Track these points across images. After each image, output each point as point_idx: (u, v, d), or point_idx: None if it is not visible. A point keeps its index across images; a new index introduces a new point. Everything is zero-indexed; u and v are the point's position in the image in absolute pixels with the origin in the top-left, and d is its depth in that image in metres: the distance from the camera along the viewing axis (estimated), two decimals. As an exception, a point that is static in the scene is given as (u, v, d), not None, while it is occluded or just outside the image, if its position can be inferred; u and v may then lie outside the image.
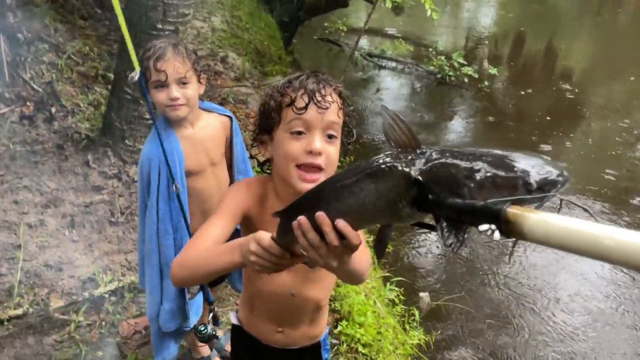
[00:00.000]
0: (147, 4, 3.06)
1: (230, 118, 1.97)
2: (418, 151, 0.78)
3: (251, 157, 1.69)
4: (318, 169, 1.13)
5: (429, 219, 0.80)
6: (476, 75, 7.64)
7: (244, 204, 1.26)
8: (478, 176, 0.72)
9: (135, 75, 1.71)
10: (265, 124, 1.20)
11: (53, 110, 3.78)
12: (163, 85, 1.72)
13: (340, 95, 1.18)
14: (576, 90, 8.15)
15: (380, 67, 8.24)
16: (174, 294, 1.89)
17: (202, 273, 1.12)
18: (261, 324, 1.41)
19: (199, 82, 1.82)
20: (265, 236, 0.96)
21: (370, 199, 0.80)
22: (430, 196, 0.75)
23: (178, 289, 1.88)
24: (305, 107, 1.12)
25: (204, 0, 6.51)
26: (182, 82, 1.74)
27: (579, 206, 0.95)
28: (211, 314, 1.99)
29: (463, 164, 0.73)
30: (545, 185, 0.70)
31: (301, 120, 1.13)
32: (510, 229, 0.67)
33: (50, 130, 3.64)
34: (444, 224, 0.75)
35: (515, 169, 0.71)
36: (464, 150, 0.76)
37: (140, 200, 1.92)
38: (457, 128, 6.68)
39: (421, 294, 3.23)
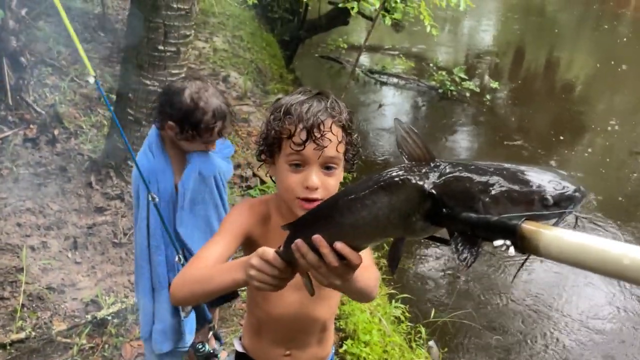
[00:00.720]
0: (148, 25, 3.09)
1: None
2: (432, 164, 0.77)
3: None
4: (316, 200, 1.13)
5: (441, 233, 0.79)
6: (478, 90, 7.66)
7: (246, 224, 1.24)
8: (493, 190, 0.70)
9: (90, 78, 1.77)
10: (267, 150, 1.20)
11: (56, 132, 3.80)
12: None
13: (343, 127, 1.15)
14: (578, 102, 8.15)
15: (382, 84, 8.28)
16: (167, 313, 1.86)
17: (203, 291, 1.09)
18: (268, 348, 1.38)
19: None
20: (269, 250, 0.95)
21: (384, 212, 0.79)
22: (444, 210, 0.74)
23: (172, 308, 1.86)
24: (303, 144, 1.10)
25: (205, 21, 6.59)
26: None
27: (594, 223, 0.93)
28: (211, 332, 1.97)
29: (478, 177, 0.72)
30: (562, 201, 0.68)
31: (298, 155, 1.12)
32: (525, 245, 0.66)
33: (53, 152, 3.66)
34: (458, 239, 0.73)
35: (531, 183, 0.70)
36: (478, 164, 0.75)
37: (135, 218, 1.91)
38: (461, 142, 6.68)
39: (430, 343, 3.13)
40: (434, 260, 4.11)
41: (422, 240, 0.84)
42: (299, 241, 0.87)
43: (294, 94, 1.20)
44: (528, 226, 0.66)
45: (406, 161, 0.80)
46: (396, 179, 0.78)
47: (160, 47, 3.14)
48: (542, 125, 7.22)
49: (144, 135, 3.32)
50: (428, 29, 5.62)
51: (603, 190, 5.39)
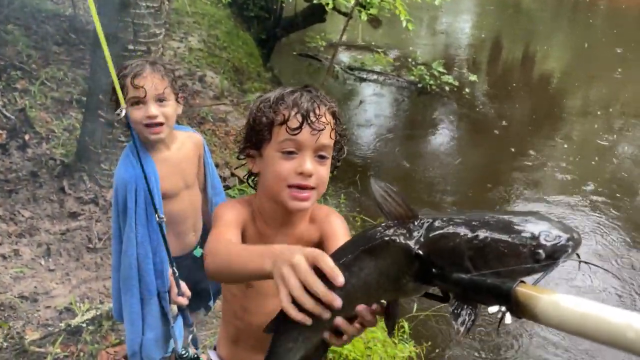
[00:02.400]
0: (117, 25, 3.02)
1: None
2: (416, 222, 0.74)
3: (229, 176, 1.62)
4: (309, 188, 1.11)
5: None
6: (456, 83, 7.69)
7: (241, 216, 1.21)
8: (482, 246, 0.67)
9: (122, 110, 1.62)
10: (254, 140, 1.16)
11: (27, 137, 3.70)
12: (140, 102, 1.66)
13: (334, 115, 1.15)
14: (557, 92, 8.24)
15: (362, 80, 8.26)
16: (157, 320, 1.81)
17: (232, 269, 0.98)
18: (248, 355, 1.34)
19: (177, 101, 1.77)
20: (324, 256, 0.75)
21: (372, 277, 0.76)
22: (433, 270, 0.70)
23: (162, 315, 1.81)
24: (299, 128, 1.08)
25: (180, 20, 6.50)
26: (160, 99, 1.68)
27: (599, 267, 0.91)
28: (190, 336, 1.93)
29: (464, 232, 0.69)
30: (555, 253, 0.66)
31: (293, 141, 1.09)
32: (522, 311, 0.62)
33: (24, 157, 3.56)
34: (454, 301, 0.70)
35: (522, 235, 0.67)
36: (466, 216, 0.72)
37: (114, 226, 1.84)
38: (442, 137, 6.69)
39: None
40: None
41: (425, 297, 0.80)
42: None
43: (278, 89, 1.18)
44: (524, 290, 0.62)
45: (386, 220, 0.76)
46: (380, 241, 0.75)
47: (130, 47, 3.07)
48: (521, 117, 7.28)
49: (116, 137, 3.27)
50: (404, 23, 5.62)
51: (585, 178, 5.45)
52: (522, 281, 0.65)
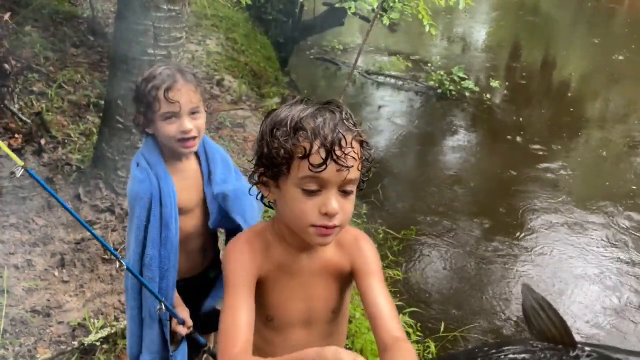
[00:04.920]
0: (138, 28, 2.92)
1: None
2: (574, 352, 0.63)
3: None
4: (334, 227, 0.99)
5: None
6: (477, 89, 7.53)
7: (255, 268, 1.09)
8: None
9: (18, 170, 1.35)
10: (270, 172, 1.01)
11: (43, 142, 3.61)
12: (174, 116, 1.53)
13: (361, 143, 0.99)
14: (577, 100, 8.03)
15: (380, 85, 8.12)
16: (155, 346, 1.68)
17: None
18: None
19: (205, 110, 1.65)
20: None
21: None
22: None
23: (161, 341, 1.68)
24: (324, 164, 0.93)
25: (198, 23, 6.42)
26: (193, 112, 1.55)
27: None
28: (205, 355, 1.81)
29: None
30: None
31: (316, 179, 0.95)
32: None
33: (39, 163, 3.47)
34: None
35: None
36: (629, 352, 0.62)
37: (129, 238, 1.73)
38: (462, 143, 6.52)
39: None
40: (443, 272, 3.94)
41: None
42: None
43: (295, 105, 1.01)
44: None
45: (534, 338, 0.64)
46: None
47: (151, 51, 2.97)
48: (543, 124, 7.09)
49: (134, 144, 3.16)
50: (427, 28, 5.49)
51: (603, 186, 5.27)
52: None
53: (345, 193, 0.99)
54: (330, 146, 0.93)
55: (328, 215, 0.97)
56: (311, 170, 0.94)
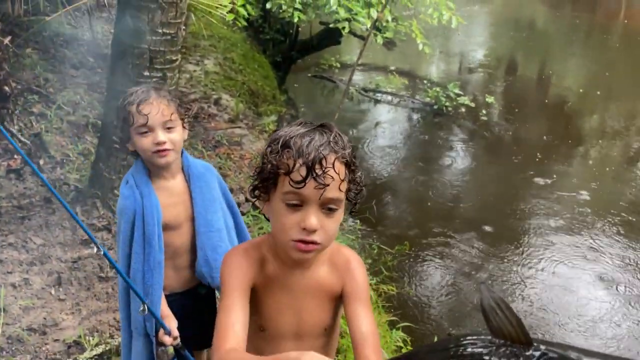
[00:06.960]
0: (133, 52, 3.00)
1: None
2: (528, 351, 0.65)
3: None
4: (313, 243, 1.04)
5: None
6: (473, 105, 7.60)
7: (249, 275, 1.15)
8: None
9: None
10: (262, 185, 1.09)
11: (42, 162, 3.68)
12: (147, 130, 1.61)
13: (346, 164, 1.05)
14: (574, 115, 8.10)
15: (376, 102, 8.21)
16: (143, 358, 1.73)
17: None
18: None
19: (183, 127, 1.72)
20: None
21: None
22: None
23: (148, 354, 1.72)
24: (303, 182, 0.99)
25: (196, 44, 6.53)
26: (168, 127, 1.62)
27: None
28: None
29: None
30: None
31: (297, 194, 1.01)
32: None
33: (38, 183, 3.54)
34: None
35: None
36: (582, 351, 0.65)
37: (119, 254, 1.79)
38: (459, 158, 6.58)
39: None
40: (437, 287, 3.97)
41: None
42: None
43: (293, 125, 1.09)
44: None
45: (491, 336, 0.68)
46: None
47: (146, 73, 3.04)
48: (539, 139, 7.14)
49: (130, 163, 3.22)
50: (420, 47, 5.58)
51: (601, 202, 5.29)
52: None
53: (329, 211, 1.04)
54: (311, 164, 0.99)
55: (306, 230, 1.02)
56: (292, 186, 1.00)
